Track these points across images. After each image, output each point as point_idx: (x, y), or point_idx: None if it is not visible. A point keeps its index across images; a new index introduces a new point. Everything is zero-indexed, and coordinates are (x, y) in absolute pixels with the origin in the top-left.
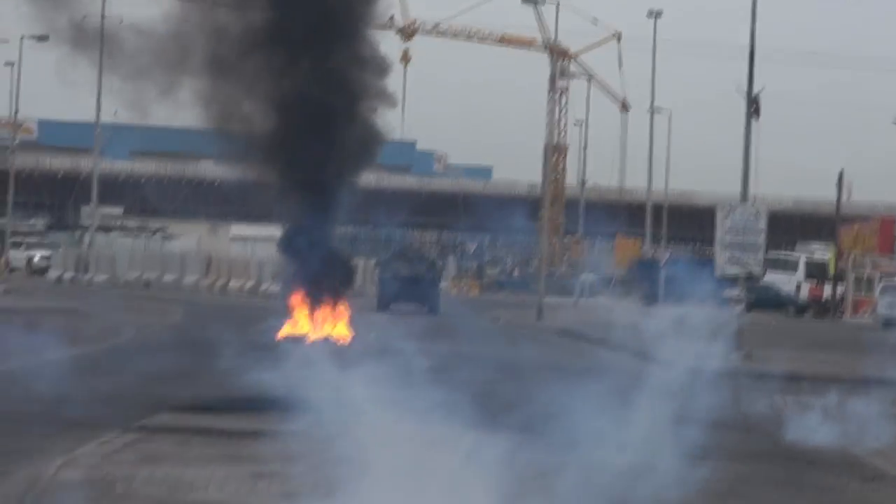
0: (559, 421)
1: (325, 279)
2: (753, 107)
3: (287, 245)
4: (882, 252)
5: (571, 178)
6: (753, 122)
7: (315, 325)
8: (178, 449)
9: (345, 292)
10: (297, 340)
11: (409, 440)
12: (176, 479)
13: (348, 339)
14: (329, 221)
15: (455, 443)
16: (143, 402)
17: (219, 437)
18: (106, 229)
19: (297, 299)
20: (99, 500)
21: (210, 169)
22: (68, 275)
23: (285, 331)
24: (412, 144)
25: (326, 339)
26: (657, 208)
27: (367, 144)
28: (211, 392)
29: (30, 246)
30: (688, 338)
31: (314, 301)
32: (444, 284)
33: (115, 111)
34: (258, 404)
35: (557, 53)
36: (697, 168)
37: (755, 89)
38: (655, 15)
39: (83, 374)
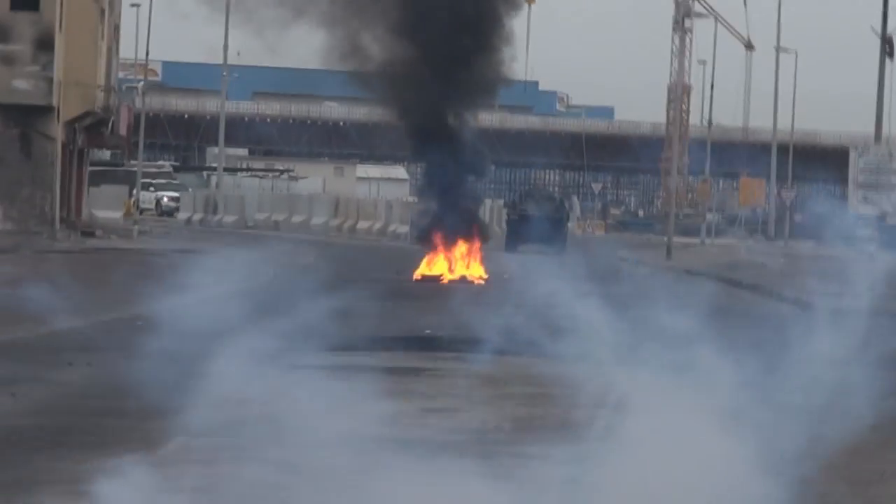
0: (720, 361)
1: (460, 220)
2: (888, 47)
3: (423, 186)
4: None
5: (695, 119)
6: (887, 62)
7: (450, 265)
8: (354, 385)
9: (478, 233)
10: (433, 281)
11: (578, 383)
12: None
13: (484, 280)
14: (462, 162)
15: (620, 385)
16: (297, 344)
17: (383, 375)
18: (232, 171)
19: (431, 240)
20: (278, 435)
21: (334, 110)
22: (197, 216)
23: (421, 271)
24: (535, 85)
25: (463, 279)
26: (782, 148)
27: (493, 81)
28: (361, 332)
29: (158, 187)
30: (820, 278)
31: (448, 242)
32: (569, 225)
33: (237, 52)
34: (413, 343)
35: None
36: (823, 109)
37: (889, 29)
38: None
39: (229, 315)
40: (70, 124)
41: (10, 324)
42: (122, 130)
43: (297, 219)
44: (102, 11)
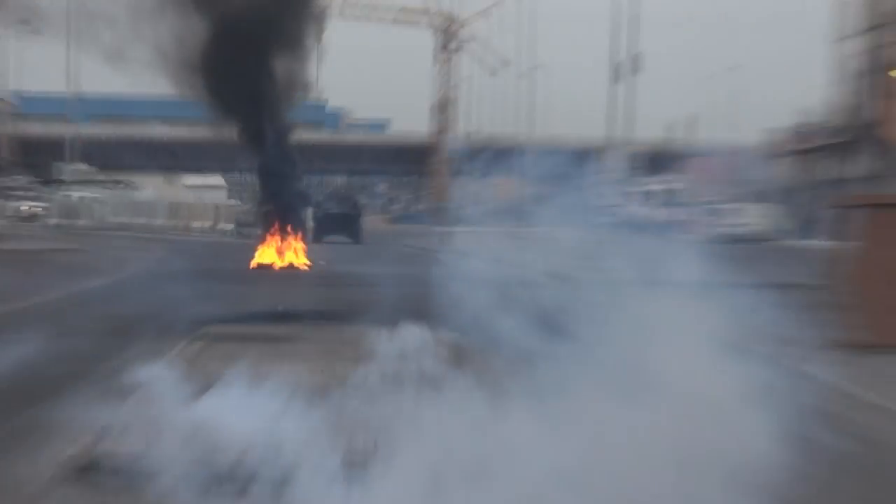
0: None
1: (288, 216)
2: (622, 69)
3: (260, 187)
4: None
5: (460, 128)
6: (629, 79)
7: (279, 255)
8: (247, 350)
9: (301, 227)
10: (267, 268)
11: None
12: (266, 374)
13: (308, 266)
14: (288, 167)
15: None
16: (184, 318)
17: (269, 341)
18: (81, 182)
19: (263, 234)
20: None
21: (160, 130)
22: (56, 220)
23: (256, 260)
24: (323, 104)
25: (291, 266)
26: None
27: (296, 90)
28: (234, 308)
29: (18, 197)
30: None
31: (278, 235)
32: (363, 219)
33: (76, 82)
34: (278, 316)
35: (446, 21)
36: (572, 118)
37: (629, 53)
38: None
39: (115, 300)
40: None
41: None
42: None
43: (141, 220)
44: None
